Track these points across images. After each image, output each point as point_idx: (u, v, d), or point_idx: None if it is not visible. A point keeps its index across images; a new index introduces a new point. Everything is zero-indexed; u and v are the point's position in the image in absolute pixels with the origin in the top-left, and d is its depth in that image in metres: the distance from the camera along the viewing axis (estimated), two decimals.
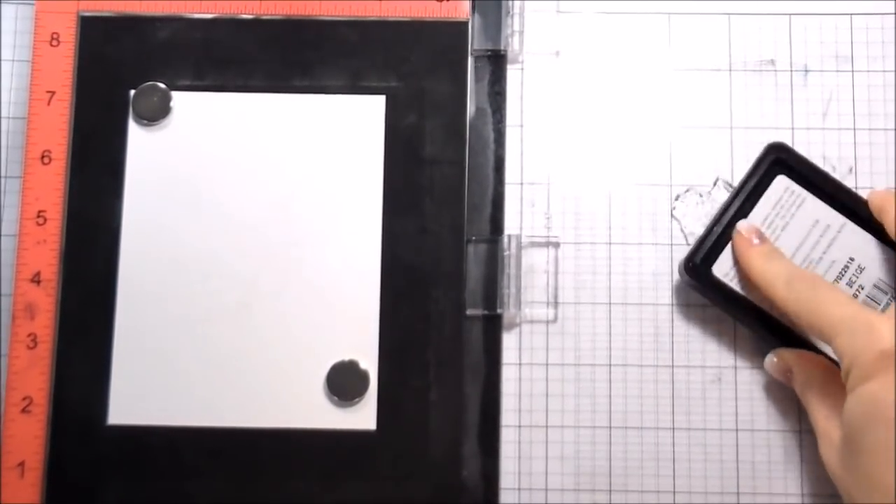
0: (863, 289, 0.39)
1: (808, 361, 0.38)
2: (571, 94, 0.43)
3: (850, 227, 0.39)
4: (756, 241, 0.39)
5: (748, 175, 0.40)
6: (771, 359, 0.39)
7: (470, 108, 0.42)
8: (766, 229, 0.39)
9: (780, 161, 0.40)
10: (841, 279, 0.39)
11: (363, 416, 0.40)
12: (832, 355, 0.37)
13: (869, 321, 0.34)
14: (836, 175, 0.41)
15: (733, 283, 0.39)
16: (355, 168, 0.41)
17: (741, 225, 0.39)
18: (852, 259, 0.39)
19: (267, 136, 0.42)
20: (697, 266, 0.39)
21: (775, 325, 0.39)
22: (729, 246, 0.39)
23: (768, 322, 0.39)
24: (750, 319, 0.39)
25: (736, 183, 0.41)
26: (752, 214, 0.39)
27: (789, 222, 0.39)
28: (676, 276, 0.41)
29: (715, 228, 0.39)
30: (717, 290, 0.39)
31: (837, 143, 0.42)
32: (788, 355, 0.38)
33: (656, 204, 0.42)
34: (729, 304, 0.39)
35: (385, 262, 0.41)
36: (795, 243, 0.39)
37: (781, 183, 0.40)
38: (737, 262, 0.39)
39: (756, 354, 0.40)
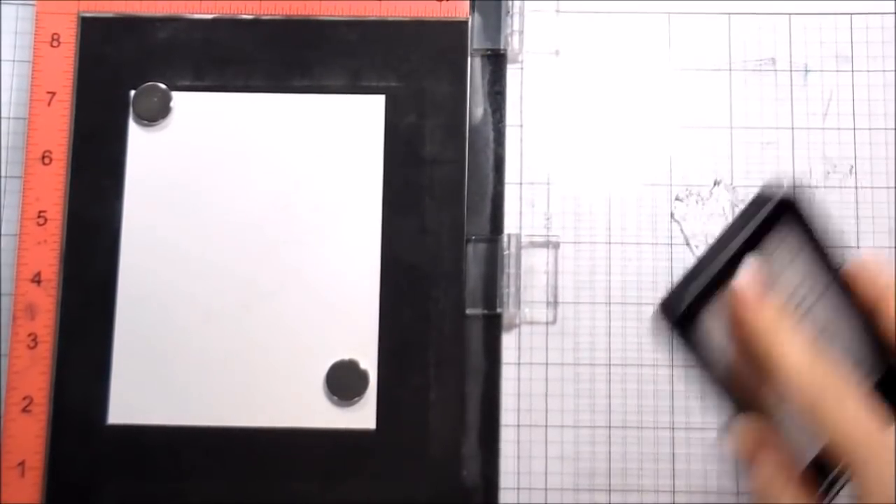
0: None
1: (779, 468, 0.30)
2: (571, 94, 0.43)
3: (833, 291, 0.32)
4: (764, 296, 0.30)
5: (745, 217, 0.31)
6: (736, 440, 0.31)
7: (470, 108, 0.42)
8: None
9: (786, 207, 0.31)
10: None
11: (363, 415, 0.40)
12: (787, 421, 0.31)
13: (887, 445, 0.28)
14: (837, 174, 0.41)
15: (716, 341, 0.31)
16: (355, 168, 0.41)
17: (743, 278, 0.30)
18: (825, 329, 0.32)
19: (267, 136, 0.42)
20: (682, 315, 0.30)
21: (747, 395, 0.31)
22: (717, 294, 0.30)
23: (739, 390, 0.31)
24: (719, 385, 0.31)
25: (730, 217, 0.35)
26: (747, 263, 0.30)
27: (778, 279, 0.31)
28: (673, 279, 0.41)
29: (707, 270, 0.30)
30: (697, 348, 0.30)
31: (837, 143, 0.42)
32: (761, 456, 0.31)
33: (656, 204, 0.42)
34: (704, 365, 0.31)
35: (385, 261, 0.41)
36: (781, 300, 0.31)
37: (781, 232, 0.31)
38: (731, 317, 0.30)
39: None
